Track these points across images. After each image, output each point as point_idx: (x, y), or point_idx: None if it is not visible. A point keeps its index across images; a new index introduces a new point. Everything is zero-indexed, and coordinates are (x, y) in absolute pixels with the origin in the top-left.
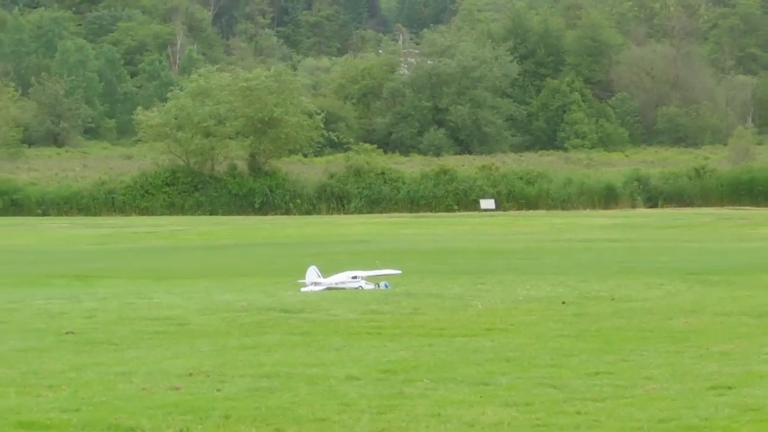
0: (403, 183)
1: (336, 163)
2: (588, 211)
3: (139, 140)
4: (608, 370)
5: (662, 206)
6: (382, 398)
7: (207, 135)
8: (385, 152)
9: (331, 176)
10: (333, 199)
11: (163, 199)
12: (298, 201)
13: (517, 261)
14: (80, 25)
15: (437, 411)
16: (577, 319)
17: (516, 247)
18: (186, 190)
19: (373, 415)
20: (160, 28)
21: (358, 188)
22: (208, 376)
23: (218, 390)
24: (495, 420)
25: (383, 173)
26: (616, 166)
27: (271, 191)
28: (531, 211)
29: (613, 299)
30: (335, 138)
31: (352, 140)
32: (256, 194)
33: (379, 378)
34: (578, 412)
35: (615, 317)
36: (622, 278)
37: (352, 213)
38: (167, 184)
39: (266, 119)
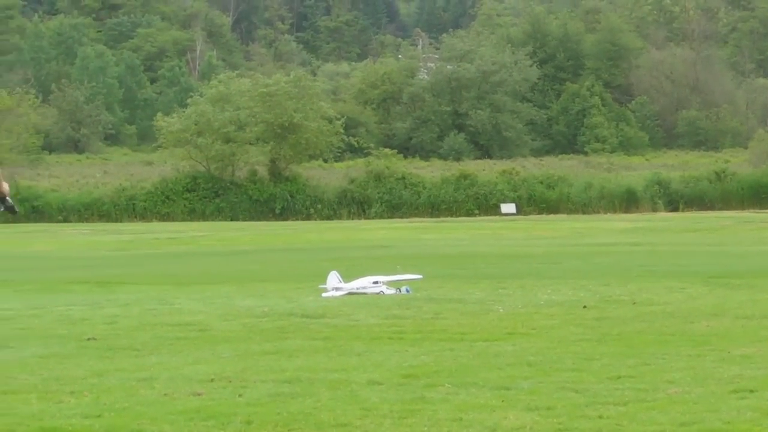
0: (424, 188)
1: (356, 168)
2: (609, 215)
3: (160, 146)
4: (630, 374)
5: (683, 210)
6: (404, 403)
7: (227, 141)
8: (406, 157)
9: (352, 181)
10: (354, 204)
11: (184, 205)
12: (319, 206)
13: (538, 265)
14: (100, 31)
15: (459, 415)
16: (598, 323)
17: (537, 251)
18: (207, 196)
19: (395, 420)
20: (180, 34)
21: (378, 193)
22: (229, 381)
23: (240, 395)
24: (517, 424)
25: (404, 178)
26: (636, 170)
27: (291, 197)
28: (552, 216)
29: (634, 303)
30: (355, 143)
31: (372, 145)
32: (277, 200)
33: (401, 383)
34: (600, 416)
35: (636, 321)
36: (643, 282)
37: (372, 218)
38: (188, 190)
39: (286, 125)
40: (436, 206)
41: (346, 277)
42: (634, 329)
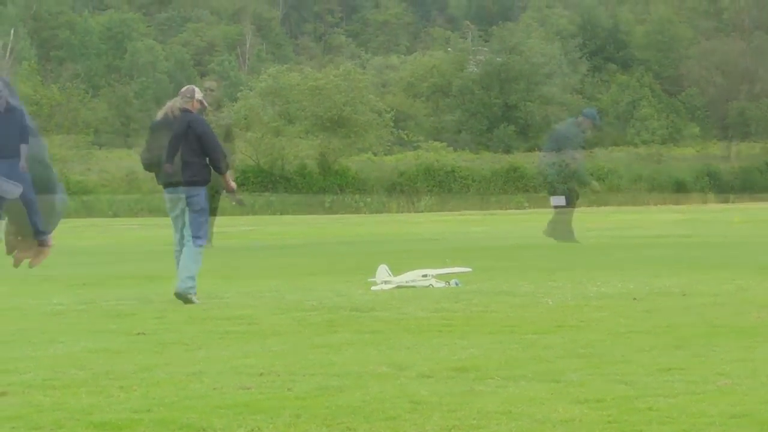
0: (473, 180)
1: (406, 161)
2: (658, 207)
3: None
4: (680, 366)
5: (733, 201)
6: (453, 396)
7: (277, 134)
8: (455, 150)
9: (401, 174)
10: (403, 197)
11: None
12: (369, 200)
13: (587, 257)
14: (150, 26)
15: (508, 408)
16: (648, 315)
17: (586, 243)
18: (256, 190)
19: (444, 413)
20: (229, 28)
21: (428, 186)
22: (278, 375)
23: (289, 389)
24: (566, 417)
25: (453, 171)
26: (686, 161)
27: (341, 190)
28: (601, 207)
29: (684, 294)
30: (405, 136)
31: (421, 138)
32: (326, 193)
33: (450, 376)
34: (650, 409)
35: (686, 313)
36: (694, 273)
37: (422, 211)
38: (237, 184)
39: (336, 118)
40: (485, 199)
41: (396, 270)
42: (684, 321)
